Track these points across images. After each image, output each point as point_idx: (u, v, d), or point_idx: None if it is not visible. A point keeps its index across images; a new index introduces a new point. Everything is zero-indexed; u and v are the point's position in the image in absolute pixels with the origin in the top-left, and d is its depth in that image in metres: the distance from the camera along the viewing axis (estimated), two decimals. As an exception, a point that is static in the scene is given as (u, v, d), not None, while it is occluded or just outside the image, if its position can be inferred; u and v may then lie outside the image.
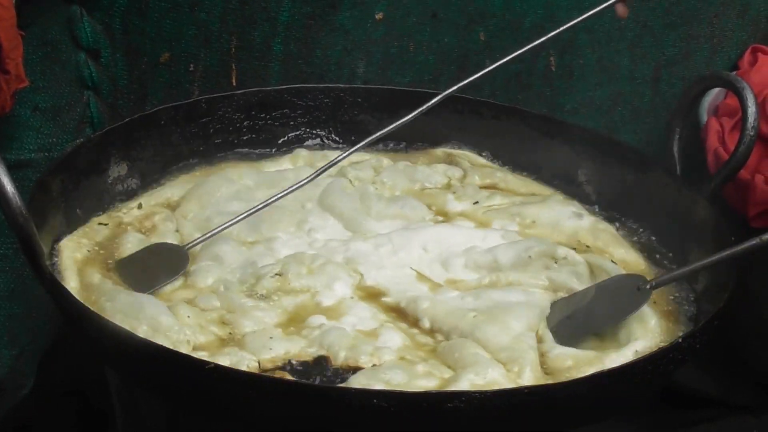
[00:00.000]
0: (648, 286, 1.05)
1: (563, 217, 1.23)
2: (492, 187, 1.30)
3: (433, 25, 1.38)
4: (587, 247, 1.19)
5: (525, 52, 1.21)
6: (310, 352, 1.01)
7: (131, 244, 1.13)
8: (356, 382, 0.95)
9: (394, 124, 1.21)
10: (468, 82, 1.21)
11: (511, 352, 1.00)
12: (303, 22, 1.34)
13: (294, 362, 1.00)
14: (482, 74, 1.21)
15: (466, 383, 0.96)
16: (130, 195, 1.23)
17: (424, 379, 0.97)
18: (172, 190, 1.25)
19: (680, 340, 0.97)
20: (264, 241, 1.16)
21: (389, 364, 0.99)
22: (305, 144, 1.35)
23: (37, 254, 0.97)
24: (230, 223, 1.14)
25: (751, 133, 1.17)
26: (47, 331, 1.37)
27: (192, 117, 1.29)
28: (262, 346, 1.00)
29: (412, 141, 1.35)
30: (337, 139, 1.35)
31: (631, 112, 1.50)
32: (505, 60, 1.21)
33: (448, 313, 1.06)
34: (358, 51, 1.37)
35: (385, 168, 1.30)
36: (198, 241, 1.13)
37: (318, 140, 1.35)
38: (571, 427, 0.97)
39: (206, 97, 1.31)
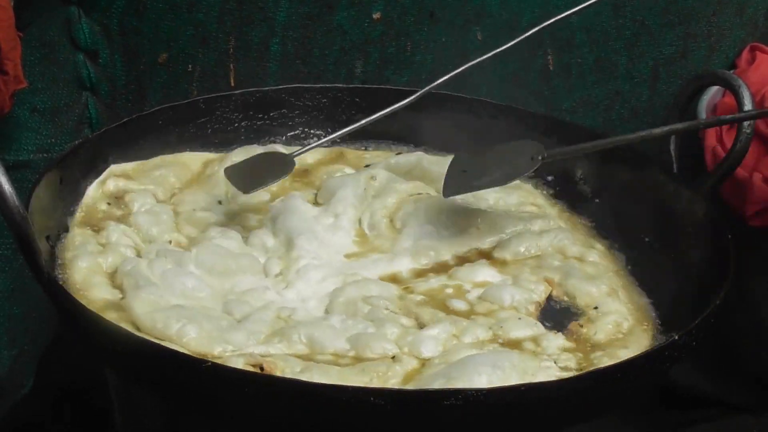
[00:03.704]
0: (540, 157, 1.06)
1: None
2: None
3: (430, 25, 1.39)
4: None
5: (514, 48, 1.23)
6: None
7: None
8: None
9: (367, 119, 1.24)
10: (447, 78, 1.24)
11: None
12: (300, 22, 1.35)
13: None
14: (462, 69, 1.24)
15: None
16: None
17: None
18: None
19: (676, 338, 0.98)
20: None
21: None
22: (302, 143, 1.36)
23: (35, 254, 0.98)
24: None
25: (748, 131, 1.17)
26: (46, 331, 1.37)
27: (190, 117, 1.29)
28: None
29: (409, 141, 1.36)
30: (336, 139, 1.35)
31: (629, 110, 1.50)
32: (490, 54, 1.24)
33: None
34: (355, 51, 1.38)
35: None
36: (302, 151, 1.21)
37: (315, 140, 1.35)
38: (567, 425, 0.97)
39: (204, 98, 1.31)
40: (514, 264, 1.18)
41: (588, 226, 1.27)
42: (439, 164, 1.29)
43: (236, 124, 1.33)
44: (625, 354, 1.04)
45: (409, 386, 0.97)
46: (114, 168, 1.19)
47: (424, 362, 1.01)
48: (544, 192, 1.31)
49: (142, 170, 1.22)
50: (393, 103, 1.32)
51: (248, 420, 0.93)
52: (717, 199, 1.23)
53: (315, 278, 1.11)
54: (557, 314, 1.12)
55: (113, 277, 1.07)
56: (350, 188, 1.24)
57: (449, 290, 1.13)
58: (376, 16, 1.37)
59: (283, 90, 1.34)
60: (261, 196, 1.22)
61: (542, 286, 1.14)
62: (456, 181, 1.07)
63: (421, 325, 1.06)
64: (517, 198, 1.28)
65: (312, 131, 1.36)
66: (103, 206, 1.16)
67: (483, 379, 0.95)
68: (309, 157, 1.30)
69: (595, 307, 1.12)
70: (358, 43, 1.38)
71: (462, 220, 1.22)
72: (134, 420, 1.20)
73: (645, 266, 1.20)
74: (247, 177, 1.18)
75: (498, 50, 1.24)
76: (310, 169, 1.30)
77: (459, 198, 1.23)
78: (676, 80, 1.50)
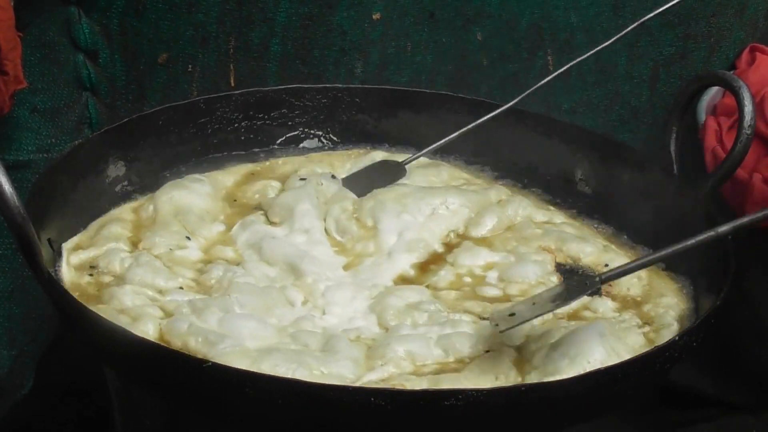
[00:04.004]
0: (597, 279, 1.01)
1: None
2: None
3: (430, 26, 1.39)
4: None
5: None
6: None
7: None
8: None
9: (454, 134, 1.28)
10: (529, 92, 1.26)
11: None
12: (300, 22, 1.35)
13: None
14: (545, 82, 1.26)
15: None
16: (127, 195, 1.23)
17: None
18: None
19: (677, 338, 0.98)
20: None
21: None
22: (303, 144, 1.35)
23: (35, 254, 0.98)
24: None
25: (748, 132, 1.17)
26: (46, 331, 1.37)
27: (190, 117, 1.29)
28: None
29: (410, 141, 1.36)
30: (335, 139, 1.36)
31: (628, 111, 1.50)
32: (568, 66, 1.26)
33: None
34: (355, 51, 1.38)
35: None
36: (415, 157, 1.27)
37: (316, 140, 1.36)
38: (567, 425, 0.97)
39: (204, 98, 1.31)
40: (496, 239, 1.21)
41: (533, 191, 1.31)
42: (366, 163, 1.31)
43: (236, 125, 1.32)
44: (667, 301, 1.12)
45: (532, 375, 0.99)
46: (66, 245, 1.14)
47: (520, 349, 1.03)
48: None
49: (90, 236, 1.16)
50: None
51: (248, 420, 0.93)
52: (717, 199, 1.23)
53: (345, 297, 1.10)
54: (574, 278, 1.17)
55: (164, 341, 1.03)
56: (307, 201, 1.22)
57: (467, 279, 1.15)
58: (376, 16, 1.37)
59: (283, 90, 1.34)
60: (217, 227, 1.20)
61: (547, 255, 1.18)
62: (507, 319, 1.02)
63: (482, 318, 1.08)
64: (447, 174, 1.32)
65: (312, 131, 1.36)
66: (86, 278, 1.11)
67: (601, 350, 0.99)
68: (226, 179, 1.28)
69: (606, 264, 1.17)
70: (358, 44, 1.38)
71: (429, 202, 1.23)
72: (134, 420, 1.19)
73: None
74: (361, 184, 1.26)
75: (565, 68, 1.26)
76: (233, 191, 1.28)
77: (399, 183, 1.27)
78: (675, 81, 1.50)
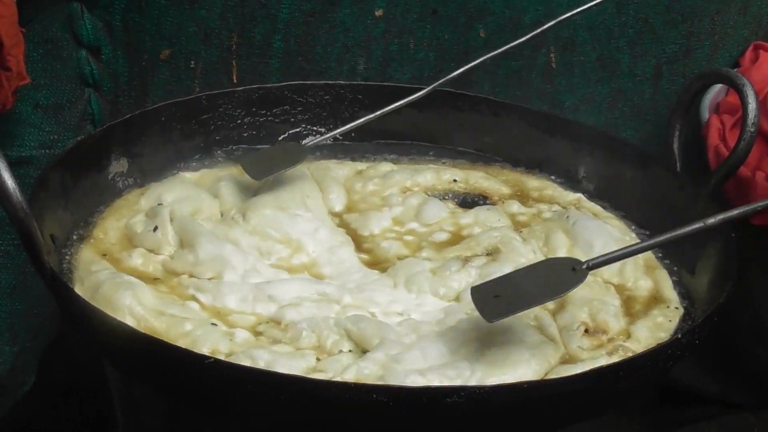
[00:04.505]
0: (584, 266, 1.00)
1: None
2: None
3: (433, 22, 1.38)
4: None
5: (516, 47, 1.23)
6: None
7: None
8: None
9: (371, 115, 1.27)
10: (454, 76, 1.26)
11: None
12: (303, 19, 1.35)
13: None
14: (468, 67, 1.25)
15: None
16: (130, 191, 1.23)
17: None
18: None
19: (679, 337, 0.98)
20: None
21: None
22: (305, 141, 1.35)
23: (38, 250, 0.98)
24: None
25: (752, 130, 1.17)
26: (49, 328, 1.37)
27: (192, 113, 1.29)
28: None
29: (413, 138, 1.36)
30: (338, 136, 1.35)
31: (631, 109, 1.50)
32: (491, 54, 1.25)
33: None
34: (358, 48, 1.38)
35: None
36: (321, 139, 1.25)
37: (318, 137, 1.35)
38: (568, 423, 0.97)
39: (206, 94, 1.31)
40: (360, 204, 1.25)
41: None
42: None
43: (239, 121, 1.32)
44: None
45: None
46: None
47: None
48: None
49: None
50: (396, 100, 1.32)
51: (250, 418, 0.93)
52: (720, 197, 1.23)
53: (387, 293, 1.09)
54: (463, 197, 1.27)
55: None
56: (225, 243, 1.12)
57: (408, 237, 1.19)
58: (378, 13, 1.37)
59: (285, 87, 1.34)
60: (191, 305, 1.06)
61: (421, 195, 1.26)
62: (495, 305, 0.99)
63: (489, 257, 1.15)
64: None
65: (314, 128, 1.36)
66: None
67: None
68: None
69: (454, 180, 1.28)
70: (361, 40, 1.38)
71: (297, 198, 1.21)
72: (135, 419, 1.20)
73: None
74: (260, 165, 1.21)
75: (501, 50, 1.24)
76: (129, 267, 1.11)
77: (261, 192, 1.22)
78: (678, 78, 1.50)
